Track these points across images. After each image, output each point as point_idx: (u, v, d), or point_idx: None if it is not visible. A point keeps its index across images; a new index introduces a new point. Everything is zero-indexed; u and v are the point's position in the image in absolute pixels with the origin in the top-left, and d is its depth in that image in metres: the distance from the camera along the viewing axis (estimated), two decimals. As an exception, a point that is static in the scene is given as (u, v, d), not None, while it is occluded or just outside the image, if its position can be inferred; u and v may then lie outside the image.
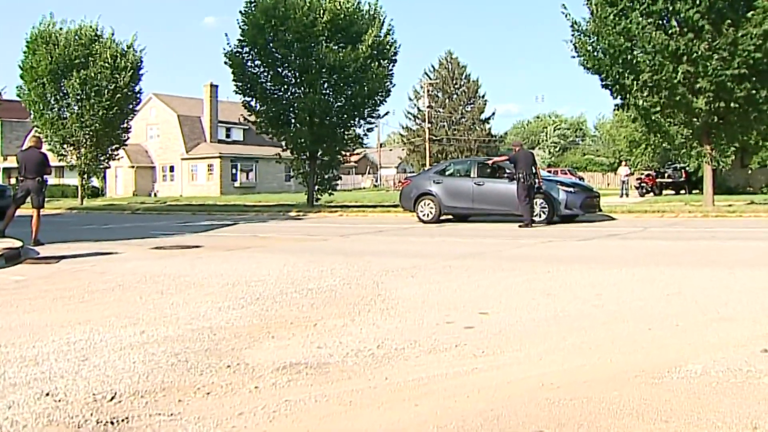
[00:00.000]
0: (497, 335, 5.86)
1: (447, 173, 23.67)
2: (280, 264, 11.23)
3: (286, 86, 34.04)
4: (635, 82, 24.51)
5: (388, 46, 34.42)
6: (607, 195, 45.84)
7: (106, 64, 42.40)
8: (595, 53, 25.58)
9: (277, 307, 7.33)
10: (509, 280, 9.17)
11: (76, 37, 42.86)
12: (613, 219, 22.89)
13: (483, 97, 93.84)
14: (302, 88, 33.59)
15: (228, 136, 75.44)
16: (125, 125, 46.30)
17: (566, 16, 26.02)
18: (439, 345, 5.55)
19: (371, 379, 4.70)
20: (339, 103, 34.17)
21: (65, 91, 42.52)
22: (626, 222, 21.42)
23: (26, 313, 7.30)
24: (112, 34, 44.11)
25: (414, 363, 5.06)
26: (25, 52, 43.07)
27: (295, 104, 33.58)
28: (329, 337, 5.88)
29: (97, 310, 7.33)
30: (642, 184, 50.51)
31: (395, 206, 29.22)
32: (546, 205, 20.67)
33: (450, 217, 23.33)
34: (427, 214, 22.92)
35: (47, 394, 4.34)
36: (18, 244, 14.32)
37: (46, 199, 17.43)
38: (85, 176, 46.92)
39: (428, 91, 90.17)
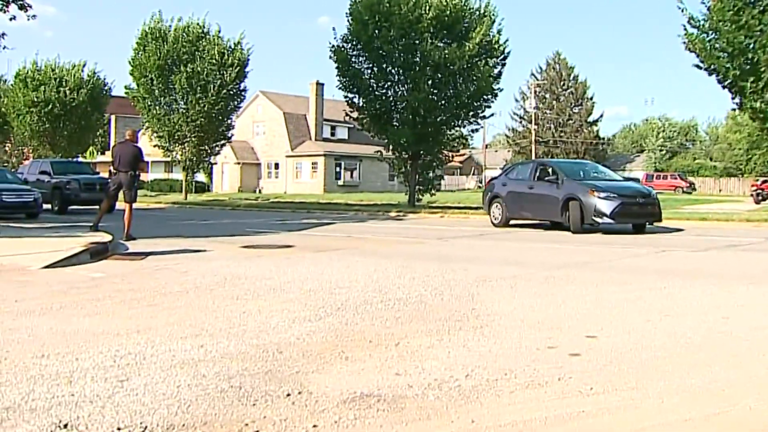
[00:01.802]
0: (607, 366, 4.97)
1: (513, 176, 22.50)
2: (370, 269, 10.52)
3: (389, 83, 33.48)
4: (756, 83, 22.97)
5: (496, 46, 33.40)
6: (721, 201, 43.88)
7: (213, 61, 42.58)
8: (713, 51, 24.05)
9: (357, 320, 6.58)
10: (619, 295, 8.22)
11: (184, 33, 43.20)
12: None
13: (591, 98, 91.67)
14: (405, 86, 32.93)
15: (333, 134, 75.37)
16: (230, 122, 46.47)
17: (682, 11, 24.62)
18: (539, 377, 4.69)
19: (454, 420, 3.88)
20: (443, 102, 33.30)
21: (172, 87, 42.87)
22: (744, 231, 19.90)
23: (87, 316, 6.76)
24: (219, 32, 44.33)
25: (508, 400, 4.22)
26: (135, 49, 43.64)
27: (398, 102, 32.97)
28: (411, 361, 5.09)
29: (162, 316, 6.73)
30: (758, 191, 47.76)
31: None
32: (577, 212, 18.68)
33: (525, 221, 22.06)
34: (497, 218, 21.82)
35: (64, 426, 3.68)
36: (107, 238, 14.03)
37: (138, 194, 17.14)
38: (190, 171, 47.27)
39: (535, 92, 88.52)
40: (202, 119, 42.99)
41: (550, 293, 8.33)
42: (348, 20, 33.18)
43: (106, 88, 53.76)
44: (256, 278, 9.42)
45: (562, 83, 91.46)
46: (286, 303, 7.52)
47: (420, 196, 35.46)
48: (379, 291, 8.36)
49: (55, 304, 7.33)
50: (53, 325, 6.28)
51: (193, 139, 43.94)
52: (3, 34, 21.42)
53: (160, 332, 5.96)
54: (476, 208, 31.42)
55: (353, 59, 33.56)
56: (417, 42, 31.76)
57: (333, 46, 33.38)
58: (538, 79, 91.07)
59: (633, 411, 4.05)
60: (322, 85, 72.42)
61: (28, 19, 22.32)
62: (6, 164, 63.41)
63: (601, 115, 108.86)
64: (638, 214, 18.99)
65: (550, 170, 20.38)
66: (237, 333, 5.97)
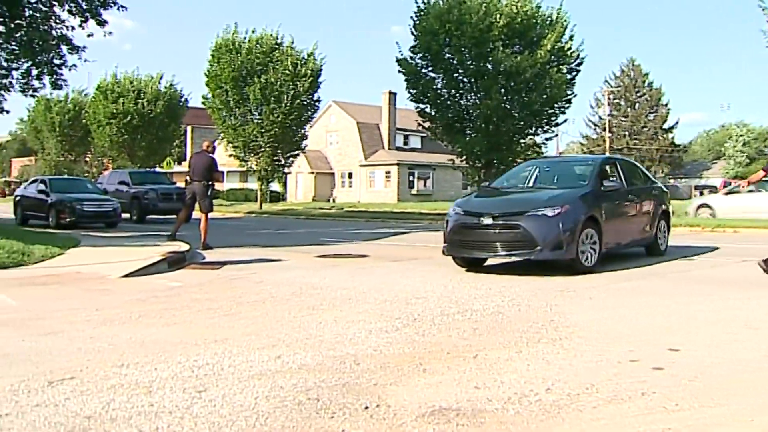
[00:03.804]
0: (693, 381, 4.79)
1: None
2: (445, 279, 10.43)
3: (460, 92, 33.24)
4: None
5: (569, 52, 32.99)
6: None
7: (286, 72, 42.87)
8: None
9: (434, 332, 6.50)
10: (700, 306, 7.99)
11: (258, 45, 43.61)
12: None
13: (666, 105, 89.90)
14: (477, 94, 32.69)
15: (406, 143, 75.29)
16: (303, 132, 46.75)
17: (764, 10, 23.98)
18: (622, 392, 4.55)
19: (535, 436, 3.78)
20: (515, 110, 32.98)
21: (247, 98, 43.29)
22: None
23: (165, 325, 6.82)
24: (292, 42, 44.62)
25: (590, 416, 4.10)
26: (210, 61, 44.19)
27: (470, 111, 32.76)
28: (489, 374, 4.99)
29: (239, 327, 6.74)
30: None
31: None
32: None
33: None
34: None
35: (143, 437, 3.68)
36: (185, 247, 14.18)
37: (214, 203, 17.27)
38: (265, 181, 47.68)
39: (609, 99, 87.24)
40: (276, 129, 43.30)
41: (628, 304, 8.14)
42: (414, 31, 33.08)
43: (182, 99, 54.64)
44: (332, 288, 9.41)
45: (636, 90, 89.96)
46: (362, 313, 7.48)
47: (494, 205, 34.94)
48: (455, 302, 8.26)
49: (134, 314, 7.42)
50: (132, 335, 6.35)
51: (268, 149, 44.27)
52: (83, 47, 21.85)
53: (237, 342, 5.96)
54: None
55: (422, 70, 33.45)
56: (488, 50, 31.51)
57: (401, 58, 33.35)
58: (611, 86, 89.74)
59: (721, 430, 3.89)
60: (395, 94, 72.42)
61: (104, 35, 22.80)
62: (86, 174, 64.87)
63: (677, 122, 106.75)
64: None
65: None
66: (313, 344, 5.94)
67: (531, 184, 13.56)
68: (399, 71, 33.38)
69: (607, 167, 13.38)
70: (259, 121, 43.52)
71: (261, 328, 6.63)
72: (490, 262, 12.19)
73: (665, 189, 15.59)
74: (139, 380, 4.74)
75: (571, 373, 5.02)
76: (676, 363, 5.31)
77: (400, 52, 33.44)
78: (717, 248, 15.54)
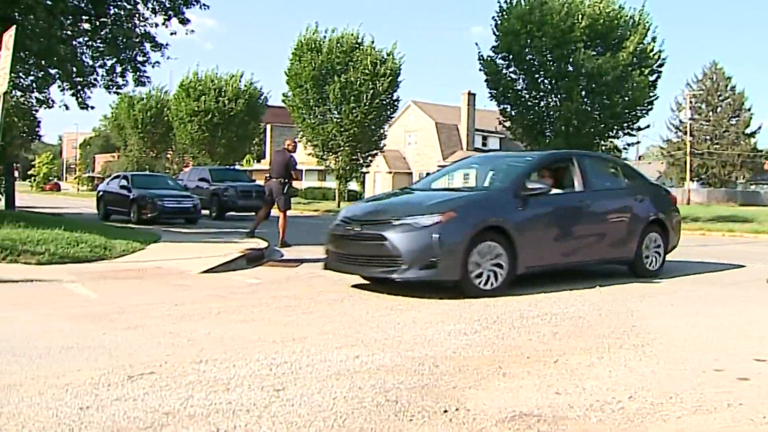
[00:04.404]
0: (783, 394, 4.59)
1: None
2: (522, 281, 10.24)
3: (541, 94, 32.90)
4: None
5: (651, 54, 32.36)
6: None
7: (366, 71, 42.97)
8: None
9: (513, 335, 6.37)
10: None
11: (338, 44, 43.79)
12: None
13: (749, 110, 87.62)
14: (558, 96, 32.31)
15: (484, 144, 74.95)
16: (382, 131, 46.80)
17: None
18: (706, 402, 4.36)
19: (621, 446, 3.64)
20: (596, 113, 32.50)
21: (326, 97, 43.50)
22: None
23: (244, 322, 6.83)
24: (372, 42, 44.72)
25: (674, 426, 3.94)
26: (291, 60, 44.53)
27: (551, 112, 32.39)
28: (570, 380, 4.85)
29: (317, 325, 6.70)
30: None
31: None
32: None
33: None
34: None
35: (220, 436, 3.64)
36: (263, 245, 14.26)
37: (291, 201, 17.33)
38: (343, 180, 47.87)
39: (691, 102, 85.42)
40: (355, 128, 43.44)
41: (711, 312, 7.88)
42: (496, 32, 32.85)
43: (262, 97, 55.21)
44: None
45: (718, 94, 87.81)
46: (441, 315, 7.38)
47: (572, 208, 34.53)
48: (534, 305, 8.10)
49: (212, 310, 7.45)
50: (211, 330, 6.36)
51: (347, 148, 44.42)
52: (166, 44, 22.19)
53: (315, 341, 5.92)
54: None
55: (503, 70, 33.22)
56: (570, 51, 31.13)
57: (482, 58, 33.14)
58: (693, 89, 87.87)
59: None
60: (474, 95, 72.19)
61: (186, 33, 23.12)
62: (167, 171, 66.00)
63: (759, 127, 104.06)
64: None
65: None
66: (392, 344, 5.86)
67: (458, 184, 11.75)
68: (480, 70, 33.19)
69: (550, 165, 11.11)
70: (339, 120, 43.69)
71: (339, 327, 6.59)
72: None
73: (664, 193, 12.72)
74: (217, 377, 4.72)
75: (654, 381, 4.85)
76: (762, 374, 5.10)
77: (480, 53, 33.25)
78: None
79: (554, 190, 10.36)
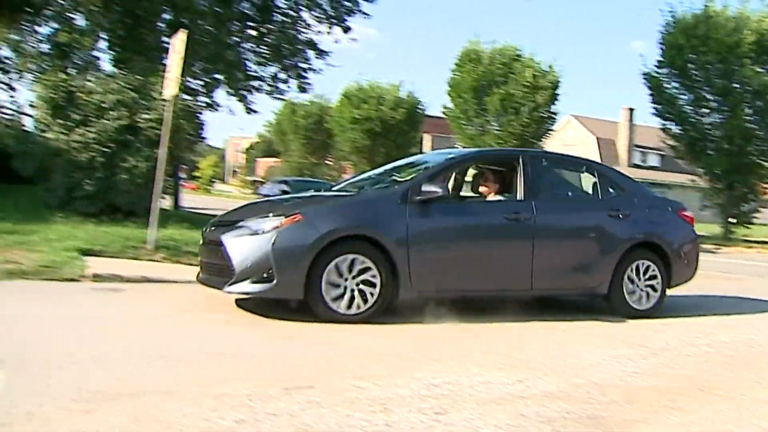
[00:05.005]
0: None
1: None
2: (689, 304, 9.73)
3: (705, 110, 31.82)
4: None
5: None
6: None
7: (526, 83, 42.50)
8: None
9: (682, 364, 6.01)
10: None
11: (498, 55, 43.47)
12: None
13: None
14: (722, 113, 31.14)
15: (644, 161, 73.01)
16: (541, 145, 46.18)
17: None
18: None
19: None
20: (762, 132, 31.18)
21: (485, 108, 43.24)
22: None
23: (404, 338, 6.66)
24: (532, 54, 44.22)
25: None
26: (453, 70, 44.57)
27: (714, 130, 31.30)
28: (747, 418, 4.50)
29: (478, 344, 6.47)
30: None
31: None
32: None
33: None
34: None
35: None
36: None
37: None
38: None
39: None
40: (514, 141, 42.94)
41: None
42: (661, 46, 31.99)
43: (420, 107, 55.42)
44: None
45: None
46: (606, 338, 7.04)
47: (733, 229, 33.46)
48: (702, 331, 7.65)
49: (373, 322, 7.22)
50: (373, 345, 6.23)
51: (504, 160, 44.07)
52: (329, 52, 22.57)
53: (476, 361, 5.70)
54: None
55: (666, 85, 32.35)
56: (735, 67, 30.00)
57: (646, 72, 32.36)
58: None
59: None
60: (632, 110, 70.59)
61: (348, 42, 23.49)
62: (327, 177, 67.14)
63: None
64: None
65: None
66: (556, 368, 5.58)
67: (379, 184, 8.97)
68: (644, 84, 32.42)
69: (490, 166, 8.98)
70: (498, 131, 43.39)
71: (497, 346, 6.33)
72: (735, 286, 11.26)
73: (670, 210, 9.46)
74: (376, 396, 4.53)
75: None
76: None
77: (644, 65, 32.55)
78: None
79: (495, 197, 8.59)
